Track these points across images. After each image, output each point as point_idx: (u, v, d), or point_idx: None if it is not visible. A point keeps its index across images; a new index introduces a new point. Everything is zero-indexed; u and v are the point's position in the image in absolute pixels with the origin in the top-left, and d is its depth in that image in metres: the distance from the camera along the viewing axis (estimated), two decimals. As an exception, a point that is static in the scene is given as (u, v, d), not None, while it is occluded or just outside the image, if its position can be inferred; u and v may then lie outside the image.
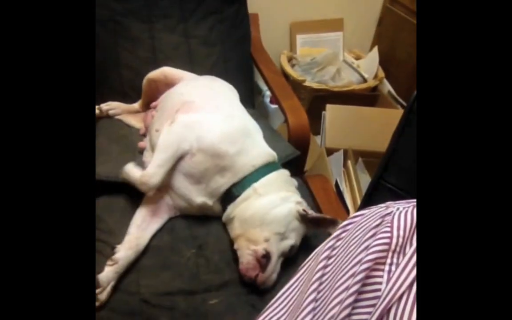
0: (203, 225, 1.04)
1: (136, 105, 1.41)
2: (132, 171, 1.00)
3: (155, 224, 1.01)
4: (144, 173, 0.98)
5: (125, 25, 1.49)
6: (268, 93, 1.94)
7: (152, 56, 1.51)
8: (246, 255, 0.93)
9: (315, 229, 1.00)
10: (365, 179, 1.52)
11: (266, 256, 0.93)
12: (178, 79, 1.31)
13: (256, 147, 1.06)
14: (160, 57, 1.51)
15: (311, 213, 0.97)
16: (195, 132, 1.01)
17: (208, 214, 1.05)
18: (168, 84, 1.31)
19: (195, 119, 1.04)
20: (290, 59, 2.06)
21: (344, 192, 1.47)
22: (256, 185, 1.00)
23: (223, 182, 1.01)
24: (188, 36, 1.58)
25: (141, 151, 1.19)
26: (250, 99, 1.68)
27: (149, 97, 1.34)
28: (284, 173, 1.07)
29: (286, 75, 1.92)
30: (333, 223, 0.96)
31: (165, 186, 1.02)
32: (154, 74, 1.33)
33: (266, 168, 1.04)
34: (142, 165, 1.07)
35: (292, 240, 0.96)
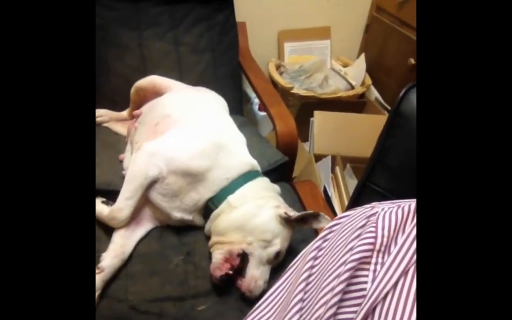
0: (191, 232, 1.04)
1: (125, 113, 1.41)
2: (99, 208, 1.00)
3: (139, 232, 1.01)
4: (112, 208, 0.97)
5: (114, 33, 1.50)
6: (256, 100, 1.95)
7: (141, 63, 1.52)
8: (216, 254, 0.93)
9: (299, 227, 1.00)
10: (353, 185, 1.52)
11: (243, 255, 0.92)
12: (166, 88, 1.32)
13: (232, 159, 1.04)
14: (149, 65, 1.52)
15: (293, 213, 0.96)
16: (162, 155, 0.99)
17: (191, 225, 1.05)
18: (156, 92, 1.31)
19: (161, 144, 1.02)
20: (278, 67, 2.08)
21: (333, 197, 1.48)
22: (230, 198, 0.99)
23: (198, 198, 1.01)
24: (177, 44, 1.59)
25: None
26: (239, 106, 1.69)
27: (137, 105, 1.35)
28: (261, 181, 1.06)
29: (274, 83, 1.93)
30: (316, 217, 0.96)
31: (146, 199, 1.02)
32: (142, 82, 1.33)
33: (242, 179, 1.03)
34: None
35: (277, 246, 0.95)
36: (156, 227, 1.04)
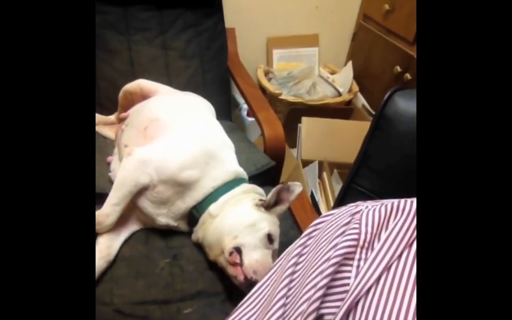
0: (178, 236, 1.05)
1: (112, 117, 1.41)
2: None
3: (124, 235, 1.01)
4: (99, 212, 0.96)
5: (103, 37, 1.50)
6: (245, 106, 1.96)
7: (129, 68, 1.52)
8: (227, 268, 0.92)
9: (281, 211, 1.00)
10: (340, 190, 1.55)
11: (237, 249, 0.91)
12: (154, 92, 1.32)
13: (218, 167, 1.04)
14: (138, 69, 1.52)
15: (268, 197, 0.97)
16: (153, 164, 0.98)
17: (175, 230, 1.05)
18: (144, 96, 1.31)
19: (152, 152, 1.02)
20: (266, 73, 2.09)
21: (320, 202, 1.49)
22: (211, 207, 0.99)
23: (184, 207, 1.01)
24: (166, 48, 1.59)
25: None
26: (228, 112, 1.70)
27: (125, 109, 1.35)
28: (243, 186, 1.05)
29: (262, 89, 1.94)
30: (287, 189, 0.98)
31: (132, 202, 1.02)
32: (130, 86, 1.34)
33: (225, 187, 1.03)
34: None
35: (265, 228, 0.94)
36: (142, 230, 1.04)
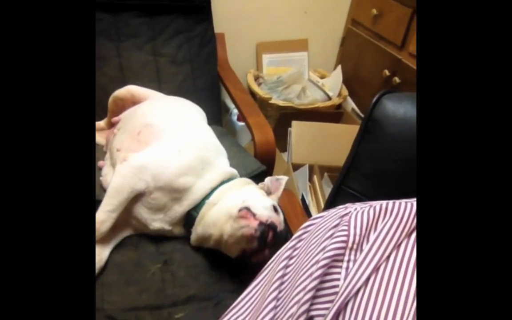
0: (169, 241, 1.05)
1: (102, 123, 1.41)
2: None
3: (115, 240, 1.00)
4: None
5: (92, 43, 1.50)
6: (235, 111, 1.97)
7: (119, 74, 1.52)
8: (234, 231, 0.91)
9: (274, 195, 1.05)
10: (330, 194, 1.56)
11: (246, 208, 0.92)
12: (144, 97, 1.32)
13: (213, 171, 1.06)
14: (128, 75, 1.52)
15: (266, 184, 1.06)
16: (149, 170, 0.98)
17: (166, 235, 1.04)
18: (135, 102, 1.31)
19: (148, 158, 1.01)
20: (256, 78, 2.10)
21: (310, 205, 1.50)
22: (208, 200, 1.00)
23: (181, 210, 1.01)
24: (156, 55, 1.59)
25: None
26: (218, 117, 1.71)
27: (115, 115, 1.35)
28: (240, 179, 1.08)
29: (253, 94, 1.95)
30: (275, 179, 1.06)
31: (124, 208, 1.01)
32: (120, 92, 1.33)
33: (221, 184, 1.05)
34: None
35: (270, 200, 0.99)
36: (132, 236, 1.04)
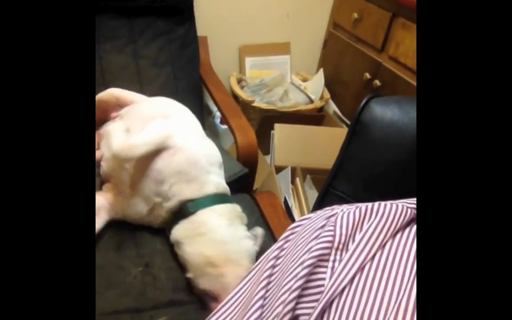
0: (149, 244, 1.03)
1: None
2: (117, 133, 1.00)
3: (97, 223, 0.99)
4: (130, 142, 0.96)
5: (72, 45, 1.48)
6: (218, 114, 1.97)
7: (100, 76, 1.50)
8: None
9: None
10: (313, 195, 1.57)
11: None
12: (130, 101, 1.30)
13: (216, 177, 1.06)
14: (108, 78, 1.50)
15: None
16: (183, 133, 1.03)
17: (146, 222, 1.03)
18: (121, 105, 1.29)
19: (178, 128, 1.05)
20: (239, 81, 2.10)
21: (293, 208, 1.50)
22: (215, 207, 0.99)
23: (184, 193, 0.99)
24: (136, 57, 1.58)
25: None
26: (200, 119, 1.69)
27: (97, 119, 1.33)
28: (238, 210, 1.06)
29: (235, 96, 1.95)
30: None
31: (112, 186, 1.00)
32: (104, 95, 1.30)
33: (224, 197, 1.04)
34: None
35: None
36: (113, 237, 1.02)
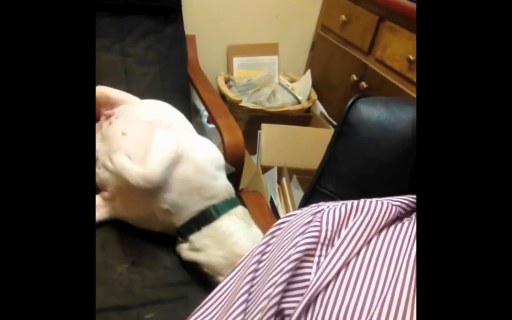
0: (135, 243, 1.03)
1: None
2: (128, 163, 0.97)
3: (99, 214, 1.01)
4: (146, 171, 0.93)
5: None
6: (205, 113, 1.96)
7: (87, 73, 1.49)
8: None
9: None
10: (299, 195, 1.58)
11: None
12: (122, 100, 1.28)
13: (226, 179, 1.07)
14: (96, 75, 1.49)
15: None
16: (189, 142, 1.02)
17: (145, 226, 1.03)
18: (112, 104, 1.27)
19: (183, 137, 1.05)
20: (227, 81, 2.10)
21: (279, 207, 1.51)
22: (234, 210, 1.02)
23: (198, 208, 1.00)
24: (124, 55, 1.57)
25: None
26: (188, 119, 1.69)
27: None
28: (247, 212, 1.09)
29: (223, 96, 1.95)
30: None
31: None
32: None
33: (235, 200, 1.06)
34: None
35: None
36: (99, 235, 1.02)
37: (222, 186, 1.04)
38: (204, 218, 0.99)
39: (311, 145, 1.76)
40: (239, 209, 1.03)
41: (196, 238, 0.98)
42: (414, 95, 1.57)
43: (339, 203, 0.57)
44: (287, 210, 1.50)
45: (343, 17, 1.98)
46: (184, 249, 0.99)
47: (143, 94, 1.46)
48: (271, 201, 1.49)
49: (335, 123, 2.00)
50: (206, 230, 0.98)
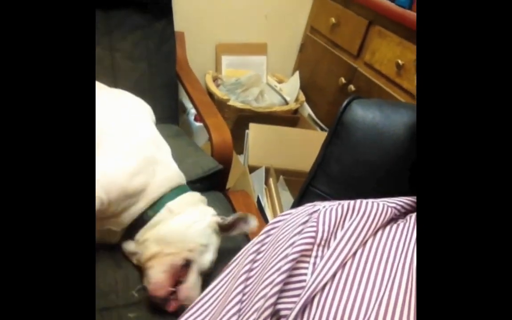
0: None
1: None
2: None
3: None
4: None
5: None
6: (192, 111, 1.95)
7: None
8: (158, 273, 0.89)
9: (229, 233, 1.00)
10: (286, 196, 1.58)
11: (186, 265, 0.91)
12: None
13: (166, 170, 1.03)
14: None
15: (228, 219, 0.98)
16: (100, 186, 0.90)
17: (104, 241, 0.99)
18: None
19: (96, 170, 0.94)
20: (215, 79, 2.09)
21: (266, 207, 1.50)
22: (170, 205, 0.97)
23: (136, 211, 0.97)
24: (112, 50, 1.55)
25: None
26: (175, 116, 1.68)
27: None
28: (196, 194, 1.05)
29: (211, 94, 1.94)
30: (245, 219, 0.98)
31: None
32: None
33: (179, 189, 1.02)
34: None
35: (211, 254, 0.95)
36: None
37: (161, 180, 1.00)
38: (138, 222, 0.97)
39: (298, 146, 1.76)
40: (185, 197, 1.01)
41: (137, 236, 0.97)
42: (402, 100, 1.59)
43: (335, 203, 0.56)
44: (274, 211, 1.49)
45: (332, 20, 1.99)
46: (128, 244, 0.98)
47: (130, 90, 1.43)
48: (258, 201, 1.49)
49: (322, 125, 2.01)
50: (142, 231, 0.97)
